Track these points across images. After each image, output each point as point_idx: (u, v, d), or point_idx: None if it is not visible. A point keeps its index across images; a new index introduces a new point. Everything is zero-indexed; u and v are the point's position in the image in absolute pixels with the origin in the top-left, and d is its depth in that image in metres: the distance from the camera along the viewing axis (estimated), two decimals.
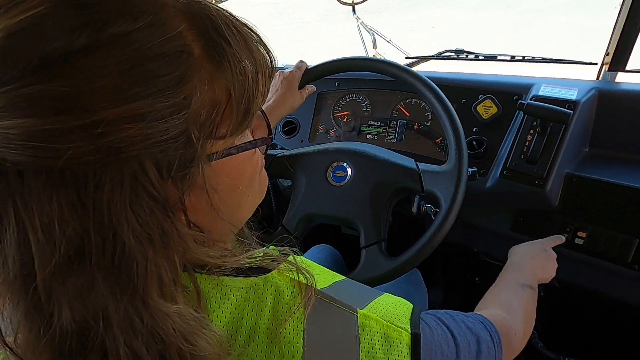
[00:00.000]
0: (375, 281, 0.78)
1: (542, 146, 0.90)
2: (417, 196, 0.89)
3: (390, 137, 1.12)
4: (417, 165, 0.83)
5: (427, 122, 1.08)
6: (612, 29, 0.95)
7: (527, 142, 0.92)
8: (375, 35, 1.29)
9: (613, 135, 0.95)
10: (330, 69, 0.97)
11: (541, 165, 0.90)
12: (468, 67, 1.18)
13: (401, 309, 0.44)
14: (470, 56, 1.17)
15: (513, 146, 0.94)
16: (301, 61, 0.98)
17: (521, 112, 0.94)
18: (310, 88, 0.98)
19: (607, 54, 0.99)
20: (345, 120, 1.16)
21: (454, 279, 1.53)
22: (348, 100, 1.17)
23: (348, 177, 0.84)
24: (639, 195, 0.86)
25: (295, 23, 5.73)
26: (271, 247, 0.45)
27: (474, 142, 1.00)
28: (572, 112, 0.80)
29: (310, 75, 0.96)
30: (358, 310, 0.40)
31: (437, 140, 1.06)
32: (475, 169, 0.86)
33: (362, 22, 1.29)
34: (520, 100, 0.85)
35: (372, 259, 0.78)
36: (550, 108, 0.83)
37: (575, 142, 0.93)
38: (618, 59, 0.98)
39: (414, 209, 0.91)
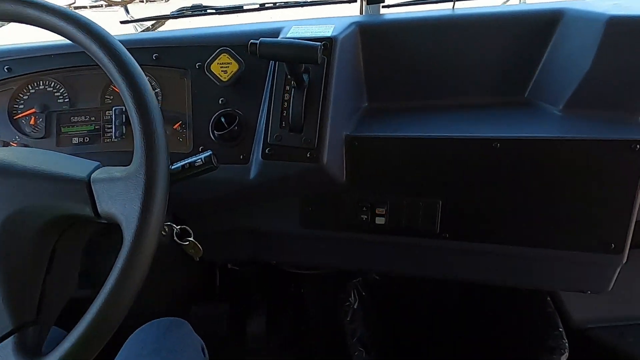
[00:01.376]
0: None
1: (303, 105, 0.64)
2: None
3: (108, 134, 0.74)
4: (92, 171, 0.47)
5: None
6: None
7: (285, 103, 0.66)
8: None
9: (389, 81, 0.76)
10: None
11: (308, 131, 0.64)
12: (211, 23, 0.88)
13: None
14: (210, 10, 0.87)
15: (270, 113, 0.67)
16: None
17: (272, 65, 0.68)
18: None
19: None
20: (32, 122, 0.74)
21: (278, 301, 1.25)
22: (32, 91, 0.75)
23: None
24: (429, 146, 0.67)
25: None
26: None
27: (223, 119, 0.69)
28: (319, 44, 0.55)
29: None
30: None
31: (175, 127, 0.73)
32: (211, 152, 0.55)
33: None
34: (252, 41, 0.56)
35: None
36: (293, 44, 0.56)
37: (347, 95, 0.71)
38: None
39: None
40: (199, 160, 0.54)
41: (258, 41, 0.56)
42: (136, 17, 0.90)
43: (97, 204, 0.45)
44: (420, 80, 0.74)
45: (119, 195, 0.43)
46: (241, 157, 0.69)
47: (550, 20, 0.69)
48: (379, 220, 0.72)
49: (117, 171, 0.45)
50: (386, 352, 0.94)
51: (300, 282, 1.16)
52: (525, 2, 0.97)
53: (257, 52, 0.56)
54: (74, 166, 0.48)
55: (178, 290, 1.19)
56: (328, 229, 0.75)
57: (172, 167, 0.56)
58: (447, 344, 0.99)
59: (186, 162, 0.54)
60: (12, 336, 0.42)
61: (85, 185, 0.45)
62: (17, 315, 0.43)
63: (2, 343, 0.42)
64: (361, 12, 0.82)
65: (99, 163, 0.50)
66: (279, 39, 0.58)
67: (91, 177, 0.46)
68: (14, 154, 0.48)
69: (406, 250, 0.76)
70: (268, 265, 1.02)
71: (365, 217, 0.72)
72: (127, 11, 0.95)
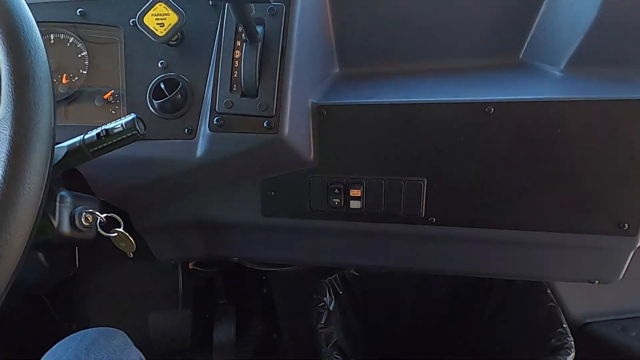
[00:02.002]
0: None
1: (257, 64, 0.52)
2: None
3: None
4: None
5: (84, 71, 0.61)
6: None
7: (236, 62, 0.54)
8: None
9: (364, 40, 0.65)
10: None
11: (265, 95, 0.53)
12: None
13: None
14: None
15: (218, 76, 0.55)
16: None
17: (220, 17, 0.56)
18: None
19: None
20: None
21: (246, 304, 1.13)
22: None
23: None
24: (411, 113, 0.56)
25: None
26: None
27: (163, 85, 0.57)
28: None
29: None
30: None
31: (105, 97, 0.60)
32: (135, 115, 0.43)
33: None
34: None
35: None
36: None
37: (313, 57, 0.60)
38: None
39: (64, 229, 0.45)
40: (119, 126, 0.42)
41: None
42: None
43: None
44: (400, 40, 0.64)
45: None
46: (186, 130, 0.57)
47: None
48: (354, 204, 0.61)
49: None
50: (366, 355, 0.83)
51: (270, 282, 1.04)
52: None
53: None
54: None
55: (134, 294, 1.06)
56: (295, 217, 0.63)
57: (86, 136, 0.44)
58: (436, 347, 0.89)
59: (102, 129, 0.42)
60: None
61: None
62: None
63: None
64: None
65: None
66: None
67: None
68: None
69: (387, 240, 0.65)
70: (235, 264, 0.90)
71: (338, 200, 0.60)
72: None
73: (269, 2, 0.45)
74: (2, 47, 0.30)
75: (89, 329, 0.56)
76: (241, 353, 1.06)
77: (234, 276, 1.11)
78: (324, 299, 0.75)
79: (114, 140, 0.43)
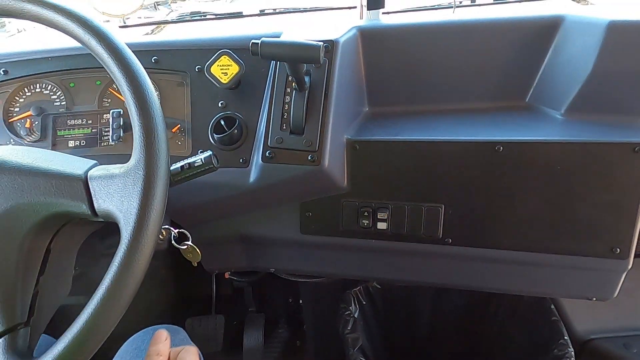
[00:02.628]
0: None
1: (304, 108, 0.63)
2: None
3: (105, 137, 0.73)
4: (89, 168, 0.46)
5: None
6: None
7: (287, 106, 0.65)
8: None
9: (390, 86, 0.75)
10: None
11: (309, 133, 0.64)
12: (210, 29, 0.88)
13: None
14: (209, 16, 0.86)
15: (271, 116, 0.66)
16: None
17: (273, 67, 0.67)
18: None
19: None
20: (28, 125, 0.73)
21: (274, 312, 1.22)
22: (28, 94, 0.74)
23: None
24: (431, 149, 0.66)
25: None
26: None
27: (223, 122, 0.69)
28: (320, 44, 0.55)
29: None
30: None
31: (173, 130, 0.72)
32: (211, 152, 0.54)
33: None
34: (253, 41, 0.56)
35: None
36: (295, 43, 0.56)
37: (348, 99, 0.70)
38: None
39: None
40: (199, 160, 0.53)
41: (259, 41, 0.56)
42: (135, 23, 0.90)
43: (94, 202, 0.43)
44: (421, 85, 0.74)
45: (116, 192, 0.42)
46: (241, 160, 0.68)
47: (550, 25, 0.69)
48: (381, 226, 0.70)
49: (115, 168, 0.44)
50: (387, 358, 0.92)
51: (299, 292, 1.14)
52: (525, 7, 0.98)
53: (259, 51, 0.55)
54: (70, 164, 0.46)
55: (173, 300, 1.16)
56: (328, 235, 0.73)
57: (171, 168, 0.54)
58: (450, 354, 0.97)
59: (185, 162, 0.53)
60: (2, 338, 0.40)
61: (82, 183, 0.44)
62: (8, 317, 0.41)
63: None
64: (361, 18, 0.82)
65: (96, 162, 0.49)
66: (280, 39, 0.57)
67: (88, 174, 0.44)
68: (8, 152, 0.47)
69: (408, 257, 0.75)
70: (267, 274, 1.00)
71: (367, 222, 0.70)
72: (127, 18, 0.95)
73: (319, 63, 0.56)
74: (135, 108, 0.41)
75: (157, 325, 0.66)
76: (269, 357, 1.15)
77: (262, 286, 1.21)
78: (350, 307, 0.85)
79: (193, 172, 0.53)
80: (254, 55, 0.56)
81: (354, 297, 0.87)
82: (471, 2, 0.90)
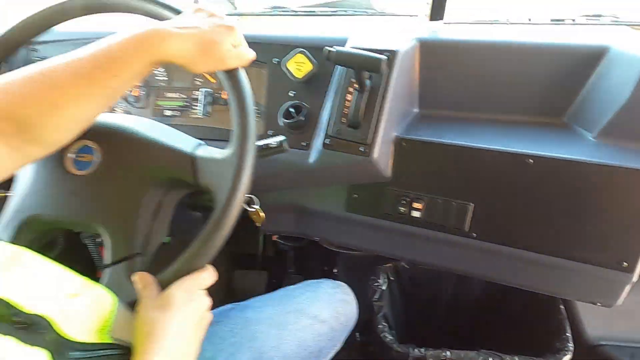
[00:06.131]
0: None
1: (363, 106, 0.75)
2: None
3: (195, 111, 0.88)
4: (196, 148, 0.60)
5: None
6: None
7: (347, 102, 0.76)
8: None
9: (440, 91, 0.85)
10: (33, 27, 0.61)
11: (364, 128, 0.75)
12: (287, 25, 1.00)
13: None
14: (286, 11, 0.98)
15: (333, 109, 0.78)
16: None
17: (340, 68, 0.78)
18: None
19: (427, 4, 0.89)
20: (135, 93, 0.89)
21: (311, 276, 1.37)
22: None
23: (95, 163, 0.58)
24: (467, 154, 0.76)
25: None
26: None
27: (291, 109, 0.81)
28: (384, 57, 0.65)
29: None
30: None
31: None
32: (284, 137, 0.67)
33: None
34: (326, 48, 0.67)
35: (116, 284, 0.54)
36: (361, 55, 0.67)
37: (401, 100, 0.81)
38: (437, 9, 0.88)
39: None
40: (274, 143, 0.66)
41: (333, 49, 0.67)
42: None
43: (198, 176, 0.58)
44: (469, 94, 0.83)
45: (216, 172, 0.56)
46: (303, 143, 0.81)
47: (595, 54, 0.75)
48: (415, 214, 0.82)
49: (216, 152, 0.58)
50: (405, 331, 1.04)
51: (335, 261, 1.28)
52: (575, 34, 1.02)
53: (332, 58, 0.67)
54: (182, 141, 0.61)
55: (226, 253, 1.34)
56: (369, 216, 0.85)
57: None
58: (462, 337, 1.08)
59: (264, 142, 0.66)
60: (124, 262, 0.56)
61: (191, 159, 0.58)
62: (130, 247, 0.57)
63: (117, 266, 0.55)
64: (422, 27, 0.91)
65: (200, 141, 0.63)
66: (350, 49, 0.68)
67: (195, 153, 0.59)
68: (137, 124, 0.62)
69: (436, 244, 0.85)
70: (309, 243, 1.14)
71: (404, 209, 0.82)
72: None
73: (380, 74, 0.67)
74: (236, 108, 0.54)
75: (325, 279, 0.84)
76: None
77: (303, 252, 1.36)
78: (379, 280, 0.98)
79: (269, 152, 0.67)
80: (326, 59, 0.68)
81: (384, 272, 0.99)
82: (528, 20, 0.96)
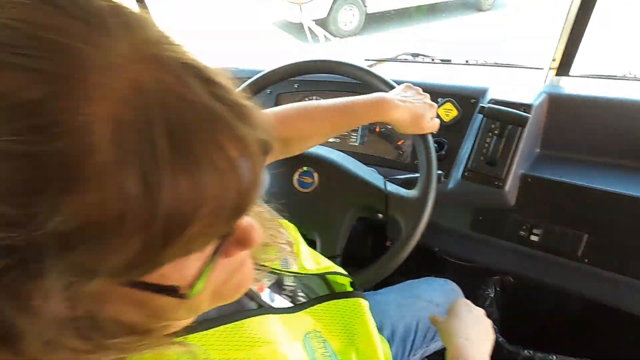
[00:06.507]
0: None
1: (500, 148, 0.93)
2: None
3: (352, 140, 1.10)
4: (385, 185, 0.82)
5: (389, 125, 1.08)
6: (558, 37, 1.00)
7: (487, 144, 0.95)
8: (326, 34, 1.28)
9: (562, 137, 1.01)
10: (290, 72, 0.92)
11: (500, 166, 0.93)
12: (422, 71, 1.20)
13: None
14: (426, 59, 1.18)
15: (473, 148, 0.96)
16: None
17: (480, 115, 0.97)
18: None
19: (553, 60, 1.05)
20: None
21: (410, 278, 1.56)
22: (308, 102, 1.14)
23: (314, 184, 0.82)
24: (586, 193, 0.91)
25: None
26: None
27: (435, 145, 1.01)
28: (530, 116, 0.83)
29: (269, 80, 0.91)
30: None
31: (398, 144, 1.06)
32: (442, 172, 0.87)
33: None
34: (480, 104, 0.87)
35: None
36: (510, 112, 0.85)
37: (529, 143, 0.98)
38: (564, 65, 1.04)
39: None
40: (437, 175, 0.86)
41: (487, 105, 0.86)
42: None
43: (388, 209, 0.79)
44: (589, 140, 0.98)
45: (404, 208, 0.78)
46: (443, 173, 1.01)
47: None
48: (534, 238, 0.98)
49: (404, 192, 0.80)
50: (508, 336, 1.20)
51: (446, 269, 1.45)
52: None
53: (484, 113, 0.86)
54: (372, 176, 0.83)
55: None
56: (491, 235, 1.03)
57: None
58: (556, 348, 1.22)
59: (440, 173, 0.86)
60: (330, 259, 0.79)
61: (384, 195, 0.80)
62: (333, 249, 0.80)
63: None
64: (545, 81, 1.07)
65: (382, 177, 0.85)
66: (501, 107, 0.87)
67: (387, 190, 0.80)
68: (339, 156, 0.85)
69: (549, 264, 1.02)
70: (425, 251, 1.32)
71: (524, 233, 0.99)
72: None
73: (524, 127, 0.85)
74: (426, 165, 0.76)
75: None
76: None
77: (415, 260, 1.54)
78: (489, 289, 1.15)
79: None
80: (480, 114, 0.87)
81: (493, 283, 1.16)
82: None
